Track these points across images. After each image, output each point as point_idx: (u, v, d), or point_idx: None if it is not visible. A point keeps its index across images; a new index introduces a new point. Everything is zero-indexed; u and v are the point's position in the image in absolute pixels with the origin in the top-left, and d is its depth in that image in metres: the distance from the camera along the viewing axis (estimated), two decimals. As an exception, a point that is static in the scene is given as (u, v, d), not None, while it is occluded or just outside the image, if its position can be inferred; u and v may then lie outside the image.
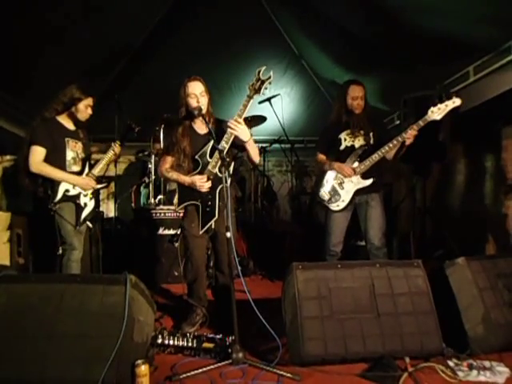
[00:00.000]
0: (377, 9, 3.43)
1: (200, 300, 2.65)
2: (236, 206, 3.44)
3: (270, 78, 2.32)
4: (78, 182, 2.77)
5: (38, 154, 2.64)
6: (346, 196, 3.01)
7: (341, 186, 3.02)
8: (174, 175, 2.62)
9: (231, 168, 2.53)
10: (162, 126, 4.46)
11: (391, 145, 2.82)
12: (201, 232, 2.55)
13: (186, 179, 2.55)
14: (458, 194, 4.12)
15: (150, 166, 4.58)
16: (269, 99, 4.37)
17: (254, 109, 4.22)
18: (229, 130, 2.37)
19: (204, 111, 2.51)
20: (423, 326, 2.05)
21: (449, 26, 3.12)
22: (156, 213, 4.05)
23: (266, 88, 2.33)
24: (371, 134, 3.03)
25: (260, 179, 5.51)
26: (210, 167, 2.52)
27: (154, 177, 4.49)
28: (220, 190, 2.50)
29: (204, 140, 2.57)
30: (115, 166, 4.81)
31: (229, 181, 2.18)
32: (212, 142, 2.47)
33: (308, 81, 5.47)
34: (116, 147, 2.89)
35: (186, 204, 2.61)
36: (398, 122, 4.75)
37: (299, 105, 5.75)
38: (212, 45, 4.82)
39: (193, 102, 2.53)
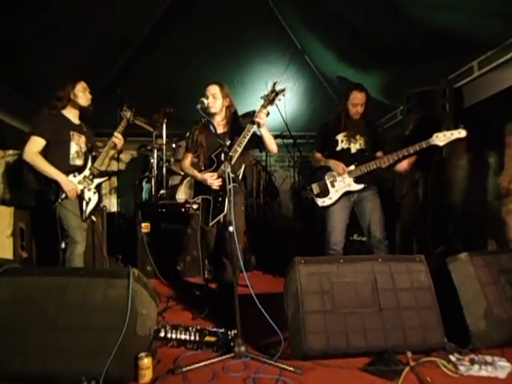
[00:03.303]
0: (380, 3, 3.41)
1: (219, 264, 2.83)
2: (245, 200, 3.57)
3: (284, 90, 2.45)
4: (64, 184, 2.67)
5: (35, 144, 2.64)
6: (334, 194, 3.06)
7: (332, 184, 3.08)
8: (189, 171, 2.84)
9: (241, 170, 2.73)
10: (165, 120, 4.47)
11: (391, 159, 2.88)
12: (210, 224, 2.69)
13: (198, 175, 2.75)
14: (460, 190, 4.11)
15: (152, 160, 4.58)
16: (271, 94, 4.35)
17: (257, 103, 4.21)
18: (256, 118, 2.52)
19: (214, 110, 2.69)
20: (425, 321, 2.05)
21: (453, 20, 3.10)
22: (158, 208, 4.05)
23: (279, 99, 2.48)
24: (366, 141, 3.09)
25: (262, 174, 5.50)
26: (223, 166, 2.61)
27: (156, 172, 4.49)
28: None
29: (221, 139, 2.66)
30: (117, 161, 4.83)
31: (229, 173, 2.24)
32: (229, 143, 2.64)
33: (311, 76, 5.45)
34: (116, 137, 2.89)
35: (199, 197, 2.77)
36: (400, 118, 4.73)
37: (302, 100, 5.74)
38: (214, 39, 4.80)
39: (208, 103, 2.66)
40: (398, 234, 4.35)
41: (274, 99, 2.48)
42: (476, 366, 1.87)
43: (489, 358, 1.92)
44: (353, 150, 3.09)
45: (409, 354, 1.96)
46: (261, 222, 4.97)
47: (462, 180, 4.09)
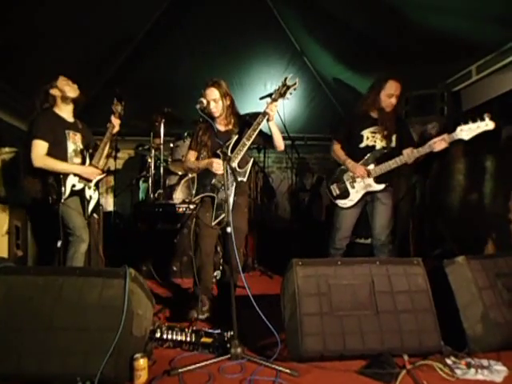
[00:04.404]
0: (379, 7, 3.42)
1: (207, 290, 2.72)
2: (249, 203, 3.52)
3: (295, 83, 2.48)
4: (83, 172, 2.77)
5: (40, 148, 2.63)
6: (354, 195, 2.96)
7: (352, 185, 2.96)
8: (195, 163, 2.80)
9: (249, 165, 2.69)
10: (163, 120, 4.46)
11: (412, 157, 2.75)
12: (213, 223, 2.64)
13: (203, 161, 2.71)
14: (457, 194, 4.12)
15: (149, 160, 4.56)
16: (270, 95, 4.35)
17: (255, 105, 4.20)
18: (266, 109, 2.51)
19: (218, 114, 2.69)
20: (422, 324, 2.05)
21: (452, 24, 3.11)
22: (155, 207, 4.04)
23: (290, 93, 2.49)
24: (394, 137, 2.92)
25: (259, 175, 5.49)
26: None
27: (153, 171, 4.48)
28: (236, 185, 2.61)
29: (225, 137, 2.67)
30: (115, 160, 4.81)
31: (231, 178, 2.31)
32: (235, 138, 2.63)
33: (309, 78, 5.46)
34: (114, 121, 2.89)
35: (202, 195, 2.72)
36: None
37: (300, 101, 5.74)
38: (214, 40, 4.81)
39: (211, 107, 2.66)
40: (395, 237, 4.35)
41: (285, 93, 2.48)
42: (472, 370, 1.87)
43: (485, 362, 1.92)
44: (377, 148, 2.91)
45: (405, 357, 1.95)
46: (258, 223, 4.95)
47: (459, 183, 4.10)
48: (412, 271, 2.18)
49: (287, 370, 1.87)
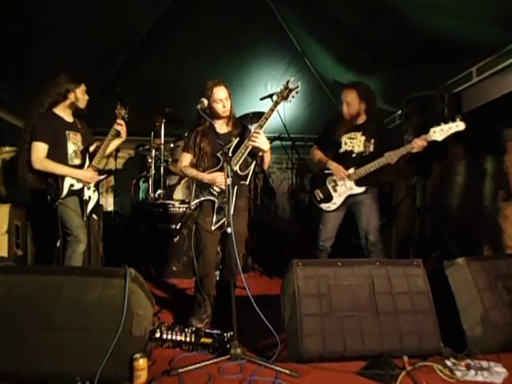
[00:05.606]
0: (380, 8, 3.42)
1: (209, 296, 2.67)
2: (249, 205, 3.47)
3: (297, 87, 2.42)
4: (81, 176, 2.76)
5: (40, 150, 2.63)
6: (337, 199, 3.02)
7: (334, 189, 3.03)
8: (192, 172, 2.65)
9: (250, 171, 2.63)
10: (163, 120, 4.46)
11: (389, 158, 2.81)
12: (213, 228, 2.58)
13: (205, 176, 2.59)
14: (457, 195, 4.12)
15: (149, 160, 4.56)
16: (270, 96, 4.35)
17: (256, 105, 4.21)
18: (249, 141, 2.44)
19: (227, 114, 2.63)
20: (422, 325, 2.05)
21: (453, 26, 3.12)
22: (155, 207, 4.03)
23: (293, 96, 2.45)
24: (372, 141, 2.98)
25: (259, 176, 5.49)
26: (230, 164, 2.52)
27: (153, 171, 4.48)
28: (237, 188, 2.56)
29: (224, 139, 2.57)
30: (115, 160, 4.81)
31: (230, 174, 2.22)
32: (236, 141, 2.58)
33: (310, 78, 5.45)
34: (119, 124, 2.85)
35: (201, 199, 2.64)
36: (399, 122, 4.75)
37: (301, 102, 5.74)
38: (214, 40, 4.80)
39: (218, 108, 2.59)
40: (395, 238, 4.36)
41: (287, 96, 2.44)
42: (472, 372, 1.87)
43: (485, 364, 1.92)
44: (355, 152, 3.00)
45: (405, 359, 1.95)
46: (258, 224, 4.95)
47: (459, 185, 4.10)
48: (412, 272, 2.19)
49: (287, 371, 1.87)
